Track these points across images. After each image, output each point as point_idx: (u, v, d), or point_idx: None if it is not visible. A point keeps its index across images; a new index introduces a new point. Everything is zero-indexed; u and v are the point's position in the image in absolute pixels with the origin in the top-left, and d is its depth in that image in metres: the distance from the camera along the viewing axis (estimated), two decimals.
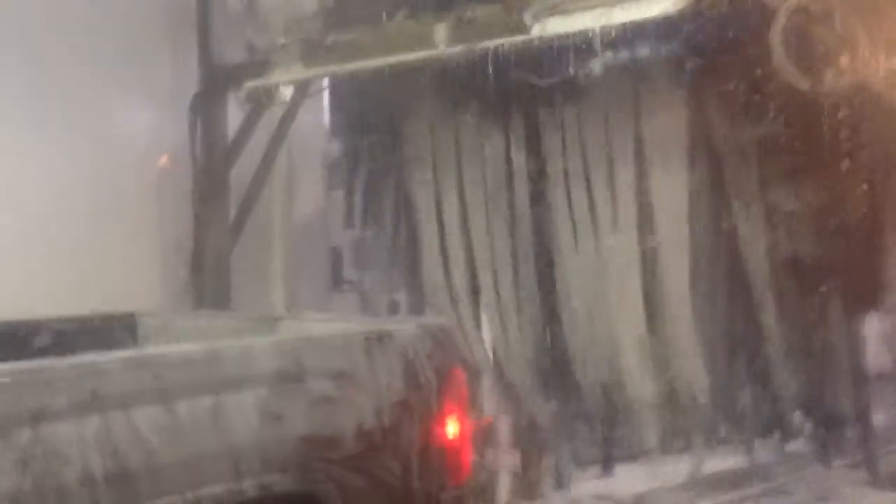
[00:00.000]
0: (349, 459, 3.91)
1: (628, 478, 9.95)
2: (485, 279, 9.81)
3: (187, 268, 9.73)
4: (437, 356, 4.36)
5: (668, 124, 8.90)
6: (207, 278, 9.69)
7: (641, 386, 9.24)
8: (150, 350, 3.56)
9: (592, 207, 9.27)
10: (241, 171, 9.93)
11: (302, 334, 4.45)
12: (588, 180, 9.26)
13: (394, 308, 10.32)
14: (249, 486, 3.56)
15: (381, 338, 4.23)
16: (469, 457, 4.59)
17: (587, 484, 10.10)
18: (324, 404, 3.88)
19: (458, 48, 8.51)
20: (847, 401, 9.47)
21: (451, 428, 4.35)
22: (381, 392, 4.11)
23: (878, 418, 10.68)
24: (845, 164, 8.41)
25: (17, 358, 3.54)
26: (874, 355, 9.86)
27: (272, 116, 10.01)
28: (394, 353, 4.20)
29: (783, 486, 10.00)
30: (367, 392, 4.06)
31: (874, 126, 8.22)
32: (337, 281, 11.21)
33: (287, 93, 9.92)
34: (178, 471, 3.40)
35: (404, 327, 4.44)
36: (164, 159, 9.75)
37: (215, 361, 3.62)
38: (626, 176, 9.10)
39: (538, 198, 9.58)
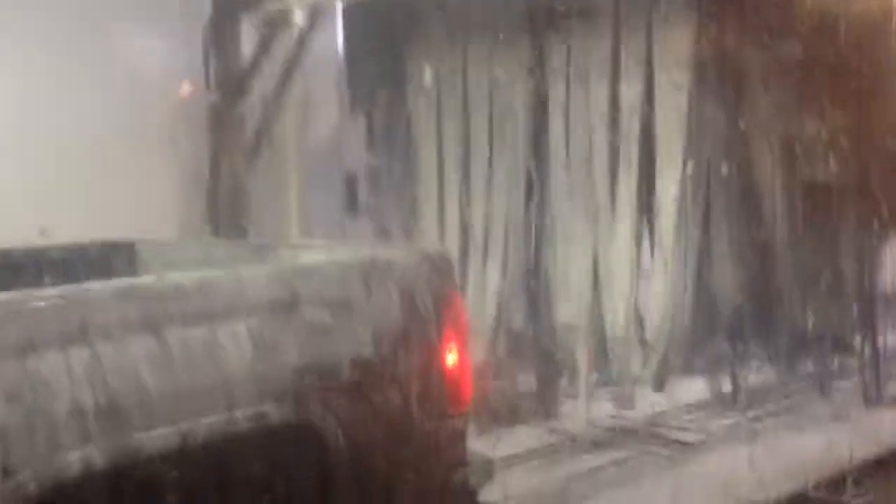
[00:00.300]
0: (347, 389, 3.79)
1: (642, 398, 9.90)
2: (478, 210, 9.70)
3: (204, 196, 9.60)
4: (435, 284, 4.22)
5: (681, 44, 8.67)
6: (224, 206, 9.57)
7: (645, 311, 9.12)
8: (140, 279, 3.41)
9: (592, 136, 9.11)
10: (256, 97, 9.77)
11: (298, 263, 4.31)
12: (590, 103, 9.08)
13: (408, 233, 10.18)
14: (244, 416, 3.45)
15: (378, 266, 4.10)
16: (469, 385, 4.48)
17: (604, 404, 10.07)
18: (320, 334, 3.75)
19: None
20: (853, 324, 9.34)
21: (451, 356, 4.23)
22: (380, 320, 3.98)
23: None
24: (866, 84, 8.21)
25: (11, 287, 3.41)
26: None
27: (286, 41, 9.81)
28: (392, 281, 4.06)
29: (792, 406, 10.02)
30: (364, 320, 3.93)
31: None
32: (352, 206, 11.05)
33: (300, 16, 9.73)
34: (169, 402, 3.28)
35: (403, 255, 4.31)
36: (181, 90, 9.61)
37: (206, 290, 3.49)
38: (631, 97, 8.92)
39: (542, 125, 9.41)
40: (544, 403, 10.42)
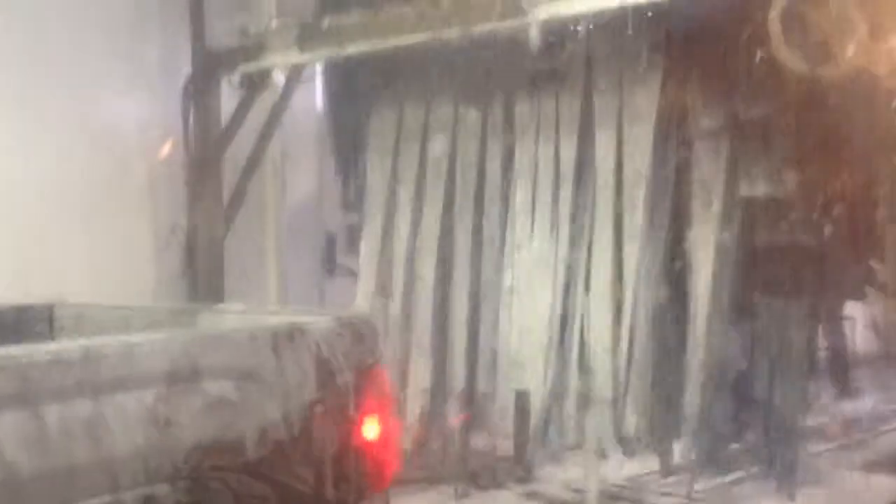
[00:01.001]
0: (251, 467, 3.38)
1: (618, 462, 9.51)
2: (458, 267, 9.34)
3: (181, 252, 9.25)
4: (356, 353, 3.84)
5: (651, 111, 8.36)
6: (202, 263, 9.22)
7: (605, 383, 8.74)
8: (12, 348, 3.01)
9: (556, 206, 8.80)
10: (235, 156, 9.44)
11: (201, 330, 3.89)
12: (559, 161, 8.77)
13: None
14: (131, 499, 3.03)
15: (291, 333, 3.69)
16: (393, 460, 4.06)
17: (578, 468, 9.70)
18: (222, 407, 3.34)
19: (453, 32, 8.04)
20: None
21: (372, 430, 3.82)
22: (291, 393, 3.58)
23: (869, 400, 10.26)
24: (839, 149, 7.88)
25: None
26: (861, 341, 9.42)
27: (265, 102, 9.50)
28: (306, 349, 3.67)
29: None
30: (273, 393, 3.53)
31: (869, 112, 7.66)
32: (330, 266, 10.70)
33: (280, 78, 9.42)
34: (43, 485, 2.86)
35: (319, 321, 3.89)
36: (162, 149, 9.29)
37: (91, 360, 3.08)
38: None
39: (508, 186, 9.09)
40: (521, 467, 10.01)
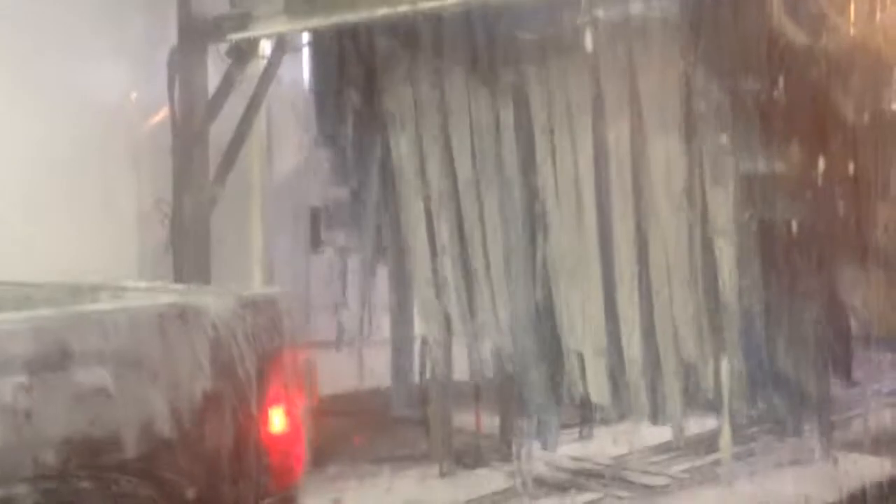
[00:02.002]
0: (132, 465, 2.89)
1: (607, 441, 9.04)
2: (471, 240, 8.75)
3: (166, 225, 8.76)
4: (260, 336, 3.33)
5: (659, 81, 7.77)
6: (187, 236, 8.73)
7: (621, 352, 8.18)
8: None
9: (577, 168, 8.18)
10: (222, 129, 8.93)
11: (75, 310, 3.33)
12: (573, 139, 8.15)
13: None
14: None
15: (182, 314, 3.18)
16: (301, 454, 3.56)
17: (565, 447, 9.25)
18: (95, 397, 2.83)
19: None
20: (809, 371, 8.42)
21: (278, 422, 3.33)
22: (180, 381, 3.08)
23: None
24: (840, 123, 7.36)
25: None
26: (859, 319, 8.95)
27: (252, 72, 8.99)
28: (200, 332, 3.17)
29: (753, 450, 9.28)
30: (159, 381, 3.03)
31: (870, 84, 7.15)
32: (315, 241, 10.19)
33: (266, 48, 8.93)
34: None
35: (217, 301, 3.36)
36: (149, 119, 8.81)
37: None
38: (614, 134, 8.00)
39: (526, 156, 8.47)
40: (506, 445, 9.54)
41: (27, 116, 8.11)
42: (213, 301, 3.37)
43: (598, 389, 8.28)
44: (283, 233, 9.44)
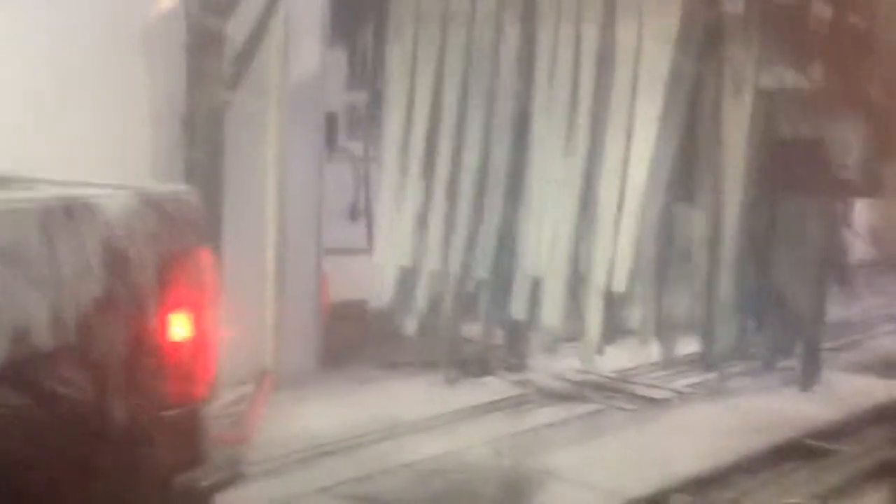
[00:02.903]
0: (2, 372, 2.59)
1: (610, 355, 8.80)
2: (445, 155, 8.51)
3: (180, 124, 8.42)
4: (164, 236, 3.05)
5: None
6: (200, 135, 8.40)
7: (609, 273, 7.93)
8: None
9: (576, 82, 7.88)
10: (237, 27, 8.56)
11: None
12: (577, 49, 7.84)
13: None
14: None
15: (70, 210, 2.85)
16: (209, 366, 3.28)
17: (569, 359, 9.07)
18: None
19: None
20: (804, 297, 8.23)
21: (181, 329, 3.05)
22: (64, 283, 2.76)
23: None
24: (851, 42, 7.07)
25: None
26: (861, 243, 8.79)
27: None
28: (89, 231, 2.86)
29: (754, 370, 9.31)
30: (39, 282, 2.71)
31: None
32: (332, 147, 9.87)
33: None
34: None
35: (114, 197, 3.04)
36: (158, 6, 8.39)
37: None
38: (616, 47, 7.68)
39: (524, 66, 8.18)
40: (512, 356, 9.38)
41: (34, 12, 7.71)
42: (108, 197, 3.04)
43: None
44: (299, 137, 9.08)
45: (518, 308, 8.41)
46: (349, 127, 9.68)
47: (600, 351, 8.33)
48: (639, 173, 7.63)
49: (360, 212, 10.06)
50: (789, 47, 7.28)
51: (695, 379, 9.17)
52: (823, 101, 7.42)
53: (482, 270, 8.68)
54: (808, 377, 8.77)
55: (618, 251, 7.85)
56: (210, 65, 8.36)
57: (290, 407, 8.35)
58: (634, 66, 7.66)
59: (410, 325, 9.17)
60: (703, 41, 7.44)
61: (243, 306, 8.64)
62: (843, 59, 7.27)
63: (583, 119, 7.88)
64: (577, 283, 8.24)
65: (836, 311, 9.69)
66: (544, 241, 8.28)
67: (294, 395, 8.59)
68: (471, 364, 9.23)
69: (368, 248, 9.69)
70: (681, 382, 9.12)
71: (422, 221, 8.89)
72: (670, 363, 9.00)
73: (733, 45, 7.36)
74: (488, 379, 9.21)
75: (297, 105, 9.06)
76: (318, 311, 9.48)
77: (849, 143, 7.71)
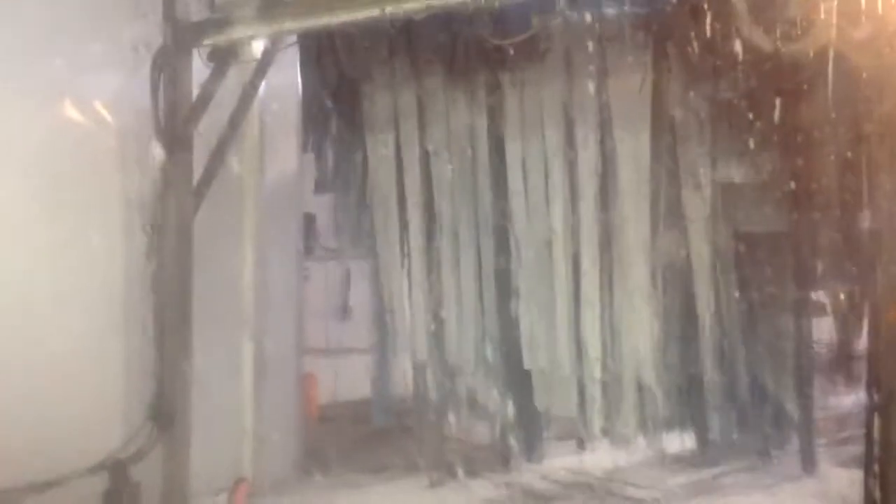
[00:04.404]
0: None
1: (601, 453, 8.25)
2: (444, 249, 8.08)
3: (149, 229, 8.05)
4: None
5: (629, 86, 7.03)
6: (170, 240, 8.03)
7: (593, 368, 7.41)
8: None
9: (549, 175, 7.46)
10: (213, 131, 8.22)
11: None
12: (546, 145, 7.42)
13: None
14: None
15: None
16: None
17: (561, 459, 8.51)
18: None
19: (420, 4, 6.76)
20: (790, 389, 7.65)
21: None
22: None
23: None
24: (808, 131, 6.60)
25: None
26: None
27: (242, 77, 8.30)
28: None
29: (751, 466, 8.58)
30: None
31: (839, 91, 6.37)
32: (310, 248, 9.46)
33: (258, 49, 8.23)
34: None
35: None
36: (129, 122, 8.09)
37: None
38: (585, 141, 7.25)
39: (499, 160, 7.77)
40: (500, 456, 8.82)
41: (6, 119, 7.45)
42: None
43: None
44: (277, 239, 8.68)
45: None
46: (329, 228, 9.24)
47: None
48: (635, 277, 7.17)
49: (350, 311, 9.63)
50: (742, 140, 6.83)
51: (689, 477, 8.51)
52: (780, 193, 6.92)
53: (475, 365, 8.21)
54: (803, 471, 8.12)
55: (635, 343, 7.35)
56: (178, 172, 8.02)
57: None
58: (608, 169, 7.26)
59: (396, 425, 8.66)
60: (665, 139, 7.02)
61: (219, 411, 8.24)
62: (798, 148, 6.78)
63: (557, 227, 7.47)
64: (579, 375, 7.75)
65: (841, 402, 9.07)
66: (540, 335, 7.82)
67: (271, 502, 8.10)
68: (455, 465, 8.67)
69: (359, 348, 9.22)
70: (674, 481, 8.47)
71: (416, 319, 8.45)
72: (663, 461, 8.37)
73: (687, 141, 6.92)
74: (474, 481, 8.64)
75: (273, 205, 8.68)
76: (300, 414, 8.98)
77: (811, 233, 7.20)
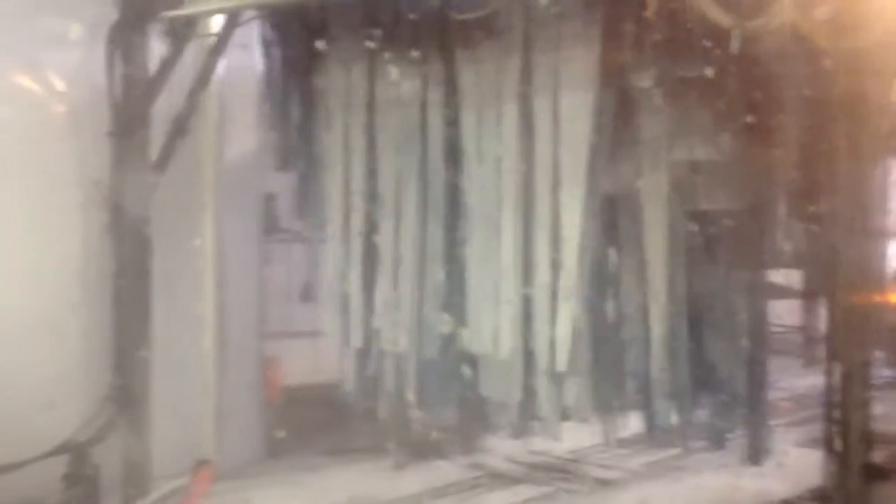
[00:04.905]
0: None
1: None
2: (385, 231, 7.88)
3: (104, 207, 7.83)
4: None
5: (583, 64, 6.83)
6: (125, 218, 7.80)
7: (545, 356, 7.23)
8: None
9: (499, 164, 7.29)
10: (170, 108, 8.00)
11: None
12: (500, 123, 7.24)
13: None
14: None
15: None
16: None
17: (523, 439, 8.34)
18: None
19: None
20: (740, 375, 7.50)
21: None
22: None
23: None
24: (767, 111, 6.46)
25: None
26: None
27: (199, 51, 8.06)
28: None
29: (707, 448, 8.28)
30: None
31: (796, 71, 6.23)
32: (271, 229, 9.24)
33: (215, 24, 7.99)
34: None
35: None
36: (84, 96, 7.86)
37: None
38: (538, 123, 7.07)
39: (451, 137, 7.58)
40: (465, 438, 8.65)
41: None
42: None
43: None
44: (235, 219, 8.47)
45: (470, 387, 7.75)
46: (291, 208, 8.99)
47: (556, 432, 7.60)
48: (569, 258, 6.97)
49: (313, 293, 9.40)
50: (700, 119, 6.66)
51: (651, 457, 8.40)
52: (738, 173, 6.76)
53: (428, 351, 7.97)
54: (756, 452, 7.99)
55: (557, 332, 7.16)
56: (135, 149, 7.80)
57: (230, 498, 7.71)
58: (554, 146, 7.06)
59: (361, 408, 8.47)
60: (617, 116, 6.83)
61: (180, 394, 8.07)
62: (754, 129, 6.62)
63: (509, 202, 7.26)
64: (524, 362, 7.53)
65: (798, 382, 8.96)
66: (488, 321, 7.60)
67: (235, 486, 7.94)
68: (420, 447, 8.51)
69: (322, 331, 8.99)
70: (636, 461, 8.35)
71: (368, 303, 8.20)
72: (623, 441, 8.23)
73: (646, 119, 6.74)
74: (438, 462, 8.49)
75: (233, 185, 8.47)
76: (262, 396, 8.80)
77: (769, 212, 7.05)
